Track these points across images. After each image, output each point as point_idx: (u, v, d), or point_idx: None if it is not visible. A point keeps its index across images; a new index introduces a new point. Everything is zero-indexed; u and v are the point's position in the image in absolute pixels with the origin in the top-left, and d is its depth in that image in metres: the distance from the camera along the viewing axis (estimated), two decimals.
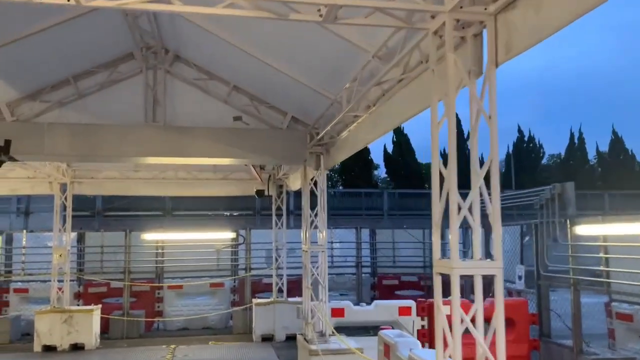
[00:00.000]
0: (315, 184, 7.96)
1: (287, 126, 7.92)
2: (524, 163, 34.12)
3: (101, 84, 7.55)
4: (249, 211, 26.49)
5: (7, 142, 6.94)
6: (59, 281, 11.44)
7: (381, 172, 36.04)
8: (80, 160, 9.85)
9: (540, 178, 34.46)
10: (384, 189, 28.18)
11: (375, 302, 8.76)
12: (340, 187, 31.88)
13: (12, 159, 7.19)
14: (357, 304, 9.19)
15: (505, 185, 33.64)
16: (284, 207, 12.48)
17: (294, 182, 11.78)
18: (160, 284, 13.65)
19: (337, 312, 8.26)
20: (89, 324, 11.16)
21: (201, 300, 13.93)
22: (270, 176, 12.35)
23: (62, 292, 11.30)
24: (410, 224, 21.17)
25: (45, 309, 11.17)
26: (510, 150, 34.93)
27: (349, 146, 7.04)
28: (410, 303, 8.58)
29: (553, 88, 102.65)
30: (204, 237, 13.29)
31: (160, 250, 13.86)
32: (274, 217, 12.63)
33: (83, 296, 13.37)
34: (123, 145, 7.30)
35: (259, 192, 12.39)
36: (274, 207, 12.64)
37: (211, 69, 7.67)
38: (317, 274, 7.75)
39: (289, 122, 7.91)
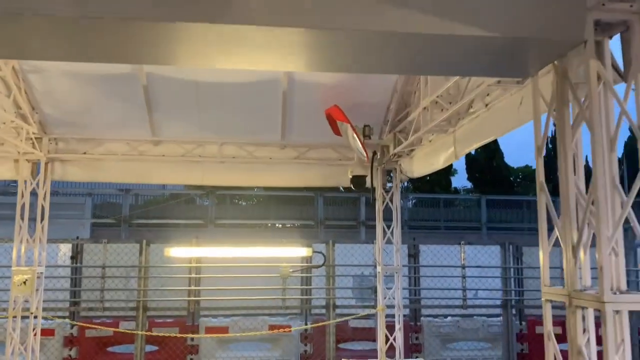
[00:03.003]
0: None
1: None
2: (637, 164, 27.89)
3: None
4: (308, 221, 21.60)
5: None
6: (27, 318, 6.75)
7: (459, 179, 30.75)
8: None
9: None
10: (480, 196, 23.22)
11: None
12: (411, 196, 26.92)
13: None
14: None
15: None
16: (395, 209, 7.39)
17: (424, 163, 6.74)
18: (195, 326, 8.87)
19: None
20: None
21: (256, 352, 9.10)
22: (374, 154, 7.33)
23: (34, 336, 6.58)
24: (499, 238, 15.67)
25: None
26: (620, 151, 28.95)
27: None
28: None
29: None
30: (263, 255, 8.30)
31: (194, 275, 9.06)
32: (379, 225, 7.52)
33: (78, 342, 8.76)
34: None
35: (357, 181, 7.31)
36: (378, 206, 7.55)
37: None
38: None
39: None
